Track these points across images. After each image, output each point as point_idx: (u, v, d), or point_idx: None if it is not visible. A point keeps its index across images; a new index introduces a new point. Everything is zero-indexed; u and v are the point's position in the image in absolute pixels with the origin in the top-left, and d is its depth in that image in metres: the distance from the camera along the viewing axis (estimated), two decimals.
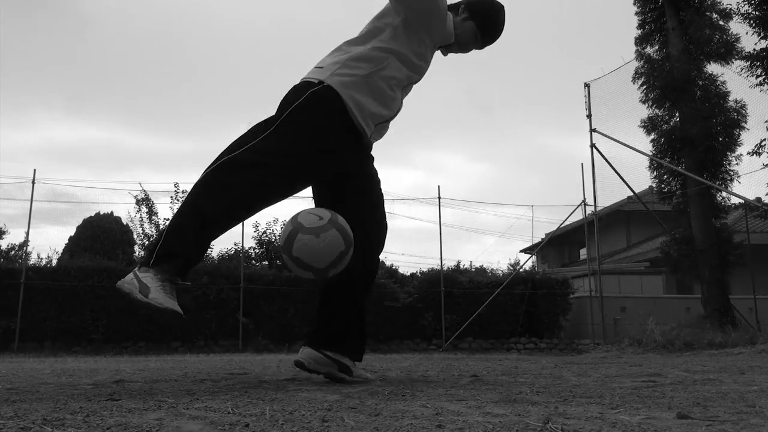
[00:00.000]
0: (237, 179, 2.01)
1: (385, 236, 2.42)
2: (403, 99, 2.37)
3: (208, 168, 2.03)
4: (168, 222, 2.07)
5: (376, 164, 2.45)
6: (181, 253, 1.96)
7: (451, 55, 2.54)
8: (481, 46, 2.47)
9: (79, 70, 37.29)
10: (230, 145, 2.07)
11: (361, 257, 2.22)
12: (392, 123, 2.39)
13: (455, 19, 2.37)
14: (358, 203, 2.29)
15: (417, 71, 2.33)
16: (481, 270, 15.73)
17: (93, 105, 36.54)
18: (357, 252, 2.13)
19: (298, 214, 2.11)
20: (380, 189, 2.43)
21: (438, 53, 2.48)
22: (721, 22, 9.59)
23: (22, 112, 32.84)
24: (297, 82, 2.22)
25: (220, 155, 2.05)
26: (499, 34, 2.45)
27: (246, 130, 2.12)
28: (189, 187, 2.11)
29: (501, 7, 2.42)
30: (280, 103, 2.16)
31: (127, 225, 14.08)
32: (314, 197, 2.38)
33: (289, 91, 2.18)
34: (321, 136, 2.12)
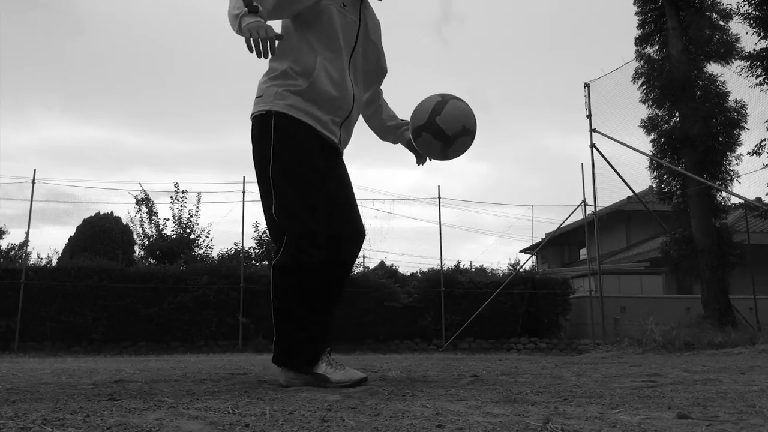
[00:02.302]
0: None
1: (360, 236, 2.38)
2: (368, 74, 2.42)
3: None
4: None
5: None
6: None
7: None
8: None
9: (78, 69, 37.31)
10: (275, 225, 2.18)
11: (338, 255, 2.28)
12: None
13: None
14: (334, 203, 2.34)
15: (348, 41, 2.29)
16: (481, 270, 15.74)
17: (92, 104, 36.56)
18: (333, 249, 2.24)
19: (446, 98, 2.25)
20: (352, 190, 2.43)
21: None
22: (721, 22, 9.59)
23: (21, 111, 32.86)
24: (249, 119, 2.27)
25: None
26: None
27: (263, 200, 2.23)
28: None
29: None
30: (255, 150, 2.24)
31: (127, 225, 14.08)
32: None
33: (252, 134, 2.25)
34: (309, 154, 2.20)
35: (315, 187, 2.19)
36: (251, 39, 1.96)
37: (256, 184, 2.26)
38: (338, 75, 2.24)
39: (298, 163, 2.18)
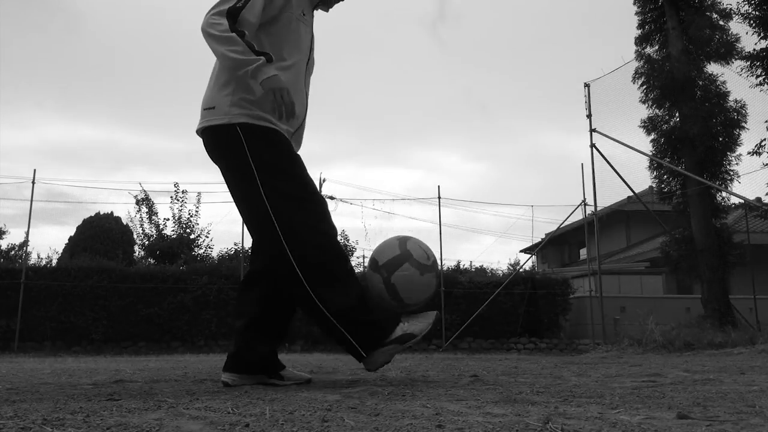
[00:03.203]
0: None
1: None
2: (309, 78, 2.34)
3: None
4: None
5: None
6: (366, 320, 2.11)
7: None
8: None
9: (74, 67, 37.28)
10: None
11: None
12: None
13: None
14: None
15: (303, 49, 2.24)
16: (481, 270, 15.73)
17: (90, 104, 36.56)
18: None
19: (408, 239, 2.19)
20: None
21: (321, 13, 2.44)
22: (721, 22, 9.59)
23: (19, 111, 32.84)
24: (199, 130, 2.17)
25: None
26: None
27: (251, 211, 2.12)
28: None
29: None
30: (226, 166, 2.15)
31: (127, 225, 14.09)
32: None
33: (212, 149, 2.16)
34: (284, 155, 2.14)
35: (319, 199, 2.14)
36: (277, 103, 2.00)
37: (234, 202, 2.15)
38: (295, 85, 2.18)
39: (290, 177, 2.09)
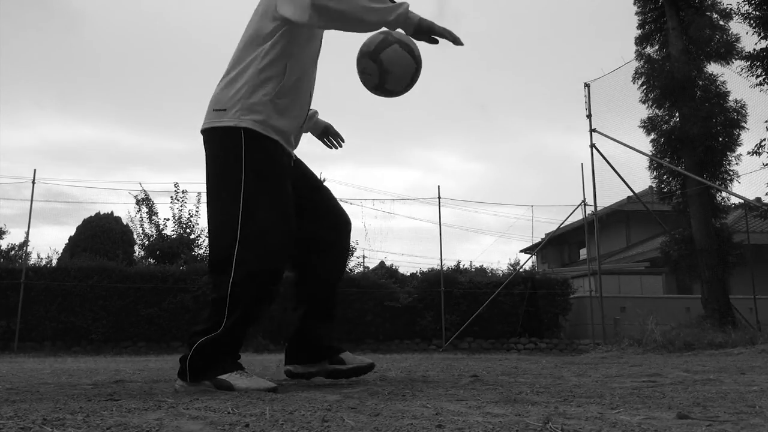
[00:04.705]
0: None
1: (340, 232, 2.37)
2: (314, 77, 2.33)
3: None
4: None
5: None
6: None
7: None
8: None
9: (75, 68, 37.29)
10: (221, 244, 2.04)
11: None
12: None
13: None
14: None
15: (317, 51, 2.27)
16: (481, 270, 15.75)
17: (90, 104, 36.56)
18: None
19: (390, 31, 2.15)
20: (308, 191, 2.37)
21: None
22: (721, 22, 9.59)
23: (19, 111, 32.85)
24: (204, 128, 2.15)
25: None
26: None
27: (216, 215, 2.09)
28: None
29: None
30: (217, 164, 2.11)
31: (127, 225, 14.09)
32: None
33: (211, 146, 2.13)
34: (275, 166, 2.12)
35: (288, 219, 2.09)
36: (446, 33, 2.02)
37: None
38: (306, 85, 2.20)
39: (274, 194, 2.07)
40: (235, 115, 2.06)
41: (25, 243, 11.07)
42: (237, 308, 1.98)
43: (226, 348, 2.02)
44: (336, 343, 2.32)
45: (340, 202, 2.44)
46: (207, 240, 2.11)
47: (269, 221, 2.02)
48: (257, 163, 2.05)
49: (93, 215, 14.51)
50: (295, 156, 2.34)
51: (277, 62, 2.09)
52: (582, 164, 10.63)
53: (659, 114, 9.84)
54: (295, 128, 2.21)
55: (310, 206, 2.28)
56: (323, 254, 2.29)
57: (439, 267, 11.52)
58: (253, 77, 2.07)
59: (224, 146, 2.08)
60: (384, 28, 2.06)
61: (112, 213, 14.75)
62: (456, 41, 2.07)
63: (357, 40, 2.27)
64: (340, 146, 2.64)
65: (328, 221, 2.31)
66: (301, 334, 2.29)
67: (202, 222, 13.64)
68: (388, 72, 2.13)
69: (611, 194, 10.52)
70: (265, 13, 2.10)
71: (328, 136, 2.62)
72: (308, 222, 2.25)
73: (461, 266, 17.00)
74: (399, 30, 2.08)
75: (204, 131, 2.16)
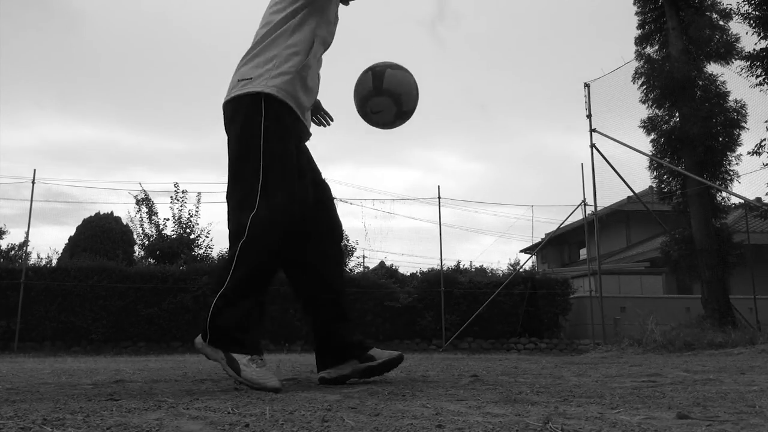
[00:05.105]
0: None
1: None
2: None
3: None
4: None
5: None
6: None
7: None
8: None
9: (75, 68, 37.29)
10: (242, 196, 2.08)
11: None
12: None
13: None
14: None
15: (332, 35, 2.36)
16: (481, 270, 15.75)
17: (90, 104, 36.57)
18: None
19: (372, 66, 2.29)
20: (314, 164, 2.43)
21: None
22: (721, 22, 9.58)
23: (19, 111, 32.85)
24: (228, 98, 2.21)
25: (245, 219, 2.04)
26: None
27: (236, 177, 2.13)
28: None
29: None
30: (239, 128, 2.15)
31: (127, 225, 14.09)
32: None
33: (233, 113, 2.17)
34: (292, 136, 2.18)
35: (304, 184, 2.18)
36: None
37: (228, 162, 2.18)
38: (319, 66, 2.31)
39: (285, 152, 2.14)
40: (261, 83, 2.13)
41: (25, 243, 11.09)
42: (242, 264, 2.02)
43: (237, 310, 2.01)
44: (362, 338, 2.29)
45: (337, 202, 2.45)
46: (225, 214, 2.18)
47: (286, 183, 2.09)
48: (277, 127, 2.12)
49: (93, 215, 14.52)
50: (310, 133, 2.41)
51: (304, 39, 2.19)
52: (582, 164, 10.64)
53: (659, 114, 9.84)
54: (310, 105, 2.30)
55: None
56: (319, 253, 2.28)
57: (439, 267, 11.53)
58: (280, 51, 2.16)
59: (247, 112, 2.14)
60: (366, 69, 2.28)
61: (112, 213, 14.76)
62: None
63: (359, 42, 2.28)
64: (329, 124, 2.68)
65: (321, 219, 2.33)
66: (321, 337, 2.26)
67: (202, 222, 13.65)
68: (401, 94, 2.24)
69: (611, 194, 10.53)
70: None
71: (320, 113, 2.66)
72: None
73: (461, 266, 17.01)
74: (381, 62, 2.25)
75: (228, 102, 2.20)
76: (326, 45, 2.34)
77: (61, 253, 14.45)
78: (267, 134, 2.09)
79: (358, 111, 2.35)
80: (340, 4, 2.45)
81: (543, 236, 15.10)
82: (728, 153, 9.32)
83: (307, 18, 2.20)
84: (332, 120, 2.69)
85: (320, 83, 2.38)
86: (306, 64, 2.19)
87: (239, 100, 2.16)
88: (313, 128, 2.58)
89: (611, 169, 9.86)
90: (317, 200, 2.32)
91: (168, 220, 13.18)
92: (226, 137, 2.22)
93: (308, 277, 2.28)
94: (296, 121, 2.21)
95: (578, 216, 11.61)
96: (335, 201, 2.47)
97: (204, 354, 2.04)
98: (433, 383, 2.20)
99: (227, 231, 2.14)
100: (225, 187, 2.21)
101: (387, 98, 2.25)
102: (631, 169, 9.98)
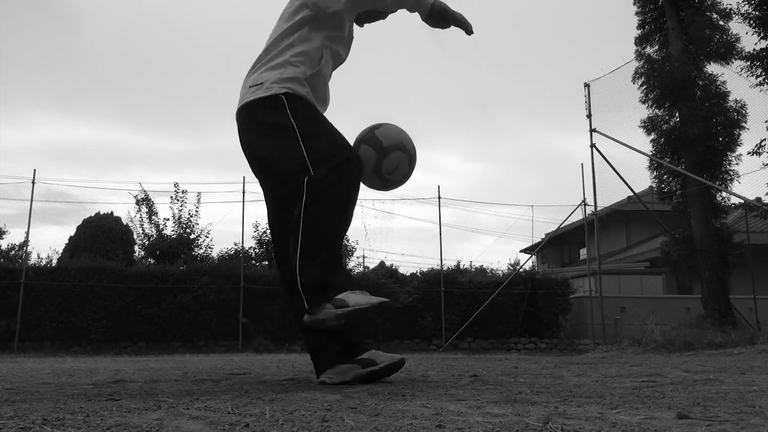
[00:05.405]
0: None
1: None
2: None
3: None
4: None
5: None
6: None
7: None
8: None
9: (75, 68, 37.29)
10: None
11: None
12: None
13: None
14: None
15: (345, 51, 2.38)
16: (481, 270, 15.76)
17: (90, 104, 36.58)
18: None
19: (359, 137, 2.33)
20: None
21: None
22: (721, 22, 9.59)
23: (19, 111, 32.86)
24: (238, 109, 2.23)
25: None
26: None
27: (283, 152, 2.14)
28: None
29: None
30: (264, 128, 2.17)
31: (127, 225, 14.09)
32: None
33: (251, 118, 2.19)
34: (317, 110, 2.25)
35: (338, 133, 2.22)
36: (459, 19, 2.16)
37: (262, 168, 2.21)
38: (330, 72, 2.34)
39: (320, 121, 2.19)
40: (272, 87, 2.15)
41: (25, 243, 11.09)
42: (314, 201, 2.02)
43: (318, 262, 2.02)
44: (359, 339, 2.26)
45: None
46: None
47: (328, 133, 2.15)
48: (303, 112, 2.15)
49: (93, 215, 14.52)
50: None
51: (312, 50, 2.21)
52: (582, 164, 10.65)
53: (659, 114, 9.84)
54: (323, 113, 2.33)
55: None
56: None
57: (439, 267, 11.53)
58: (289, 58, 2.20)
59: (266, 114, 2.16)
60: (362, 133, 2.30)
61: (112, 213, 14.76)
62: (468, 30, 2.15)
63: (359, 42, 2.30)
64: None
65: None
66: (313, 341, 2.22)
67: (202, 222, 13.66)
68: (401, 141, 2.31)
69: (611, 194, 10.54)
70: (303, 4, 2.23)
71: None
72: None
73: (461, 266, 17.02)
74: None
75: (242, 108, 2.22)
76: (338, 60, 2.36)
77: (61, 253, 14.46)
78: (297, 120, 2.11)
79: (380, 187, 2.37)
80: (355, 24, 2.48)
81: (543, 236, 15.11)
82: (728, 153, 9.32)
83: (316, 30, 2.23)
84: None
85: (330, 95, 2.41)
86: (315, 74, 2.21)
87: (255, 105, 2.18)
88: None
89: (611, 169, 9.87)
90: None
91: (168, 220, 13.20)
92: (243, 147, 2.25)
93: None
94: (317, 109, 2.23)
95: (578, 216, 11.63)
96: None
97: (318, 325, 2.02)
98: (433, 383, 2.20)
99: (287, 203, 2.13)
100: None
101: (394, 153, 2.28)
102: (631, 169, 10.00)
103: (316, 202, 2.02)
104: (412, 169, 2.40)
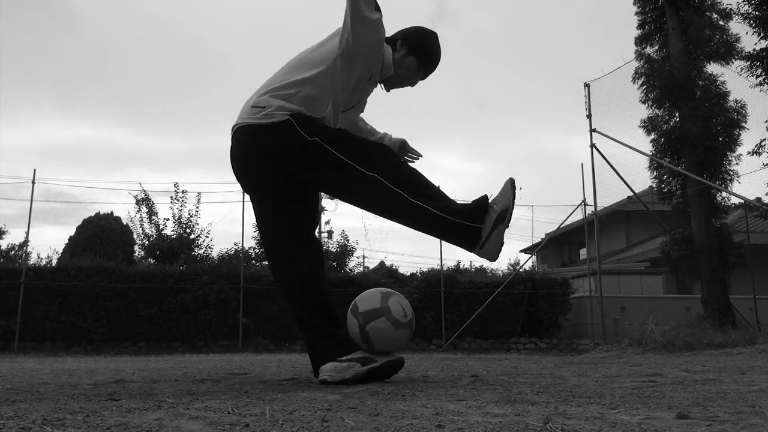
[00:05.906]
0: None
1: None
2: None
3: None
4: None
5: None
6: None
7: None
8: (423, 78, 2.45)
9: (75, 68, 37.29)
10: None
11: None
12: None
13: (395, 56, 2.34)
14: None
15: (345, 103, 2.32)
16: (481, 270, 15.75)
17: (90, 104, 36.58)
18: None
19: (390, 295, 2.32)
20: None
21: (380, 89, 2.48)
22: (721, 22, 9.58)
23: (19, 111, 32.86)
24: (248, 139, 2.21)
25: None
26: (438, 62, 2.43)
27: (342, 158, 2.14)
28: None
29: (435, 36, 2.40)
30: (285, 154, 2.16)
31: (127, 225, 14.09)
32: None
33: (262, 141, 2.16)
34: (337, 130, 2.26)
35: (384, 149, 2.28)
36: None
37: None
38: (334, 118, 2.30)
39: (340, 132, 2.20)
40: (275, 112, 2.13)
41: (25, 243, 11.08)
42: (403, 182, 2.11)
43: (445, 199, 2.14)
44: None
45: (337, 201, 2.52)
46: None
47: (372, 154, 2.18)
48: (322, 131, 2.15)
49: (93, 215, 14.51)
50: None
51: (323, 95, 2.19)
52: (582, 164, 10.65)
53: (659, 114, 9.83)
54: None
55: (303, 207, 2.35)
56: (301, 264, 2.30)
57: (439, 267, 11.53)
58: (297, 92, 2.16)
59: (278, 142, 2.14)
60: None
61: (112, 213, 14.76)
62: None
63: None
64: (419, 158, 2.72)
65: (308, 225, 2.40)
66: (313, 340, 2.24)
67: (202, 222, 13.66)
68: (407, 317, 2.30)
69: (611, 194, 10.54)
70: (327, 48, 2.21)
71: (406, 153, 2.66)
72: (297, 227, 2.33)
73: (461, 266, 17.02)
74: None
75: (243, 128, 2.19)
76: (337, 107, 2.29)
77: (61, 253, 14.45)
78: (320, 135, 2.12)
79: (409, 336, 2.37)
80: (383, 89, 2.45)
81: (543, 236, 15.11)
82: (728, 153, 9.32)
83: (333, 74, 2.19)
84: (421, 155, 2.72)
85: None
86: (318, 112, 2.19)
87: (261, 128, 2.14)
88: None
89: (611, 169, 9.86)
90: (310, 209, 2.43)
91: (168, 220, 13.20)
92: (245, 165, 2.25)
93: (291, 284, 2.32)
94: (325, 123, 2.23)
95: (578, 216, 11.63)
96: (335, 201, 2.52)
97: (497, 247, 2.13)
98: (433, 383, 2.20)
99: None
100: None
101: (408, 329, 2.30)
102: (631, 169, 10.00)
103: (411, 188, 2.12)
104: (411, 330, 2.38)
